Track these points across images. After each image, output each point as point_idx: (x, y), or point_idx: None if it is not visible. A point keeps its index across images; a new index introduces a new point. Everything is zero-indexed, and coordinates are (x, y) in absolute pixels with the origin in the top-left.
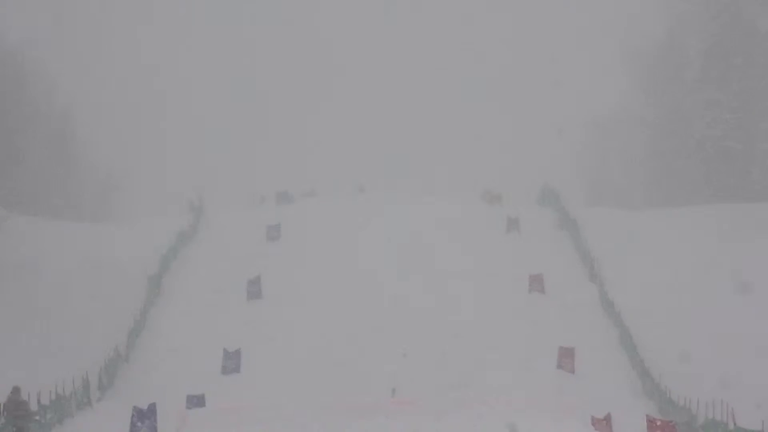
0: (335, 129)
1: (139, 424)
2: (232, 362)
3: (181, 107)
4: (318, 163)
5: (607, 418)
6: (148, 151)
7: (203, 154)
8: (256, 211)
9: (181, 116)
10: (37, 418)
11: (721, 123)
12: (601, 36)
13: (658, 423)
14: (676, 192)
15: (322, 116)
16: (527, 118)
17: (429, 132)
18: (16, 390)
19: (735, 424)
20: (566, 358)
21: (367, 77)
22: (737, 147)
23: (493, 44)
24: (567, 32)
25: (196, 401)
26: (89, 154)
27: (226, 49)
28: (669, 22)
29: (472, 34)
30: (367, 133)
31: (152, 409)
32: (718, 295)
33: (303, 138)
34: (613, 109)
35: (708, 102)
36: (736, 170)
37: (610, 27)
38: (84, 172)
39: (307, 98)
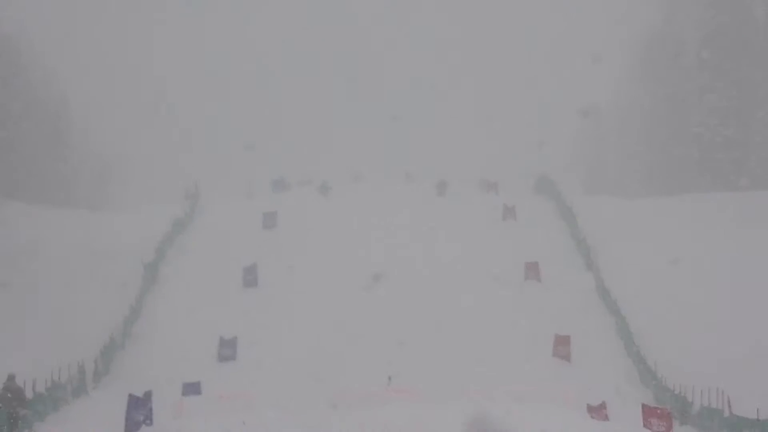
0: (334, 118)
1: (134, 411)
2: (228, 350)
3: (180, 96)
4: (315, 152)
5: (603, 406)
6: (145, 139)
7: (200, 143)
8: (252, 199)
9: (179, 105)
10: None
11: (718, 111)
12: (597, 23)
13: (654, 411)
14: (672, 180)
15: (320, 106)
16: (524, 107)
17: (426, 121)
18: (11, 377)
19: (731, 411)
20: (562, 346)
21: (366, 66)
22: (733, 135)
23: (490, 32)
24: (564, 20)
25: (192, 389)
26: (86, 141)
27: (224, 40)
28: (665, 10)
29: (469, 21)
30: (365, 121)
31: (148, 397)
32: (716, 284)
33: (302, 126)
34: (609, 97)
35: (704, 90)
36: (733, 158)
37: (607, 14)
38: (80, 159)
39: (306, 89)
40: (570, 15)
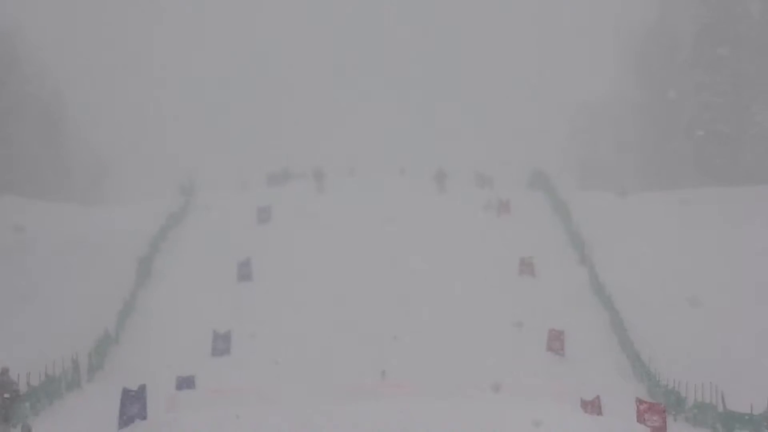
0: (330, 112)
1: (128, 405)
2: (222, 344)
3: (174, 88)
4: (311, 145)
5: (597, 401)
6: (140, 133)
7: (195, 137)
8: (247, 193)
9: (174, 98)
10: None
11: (712, 106)
12: (592, 19)
13: (648, 406)
14: (666, 175)
15: (317, 100)
16: (518, 102)
17: (422, 117)
18: (4, 371)
19: (724, 406)
20: (556, 340)
21: (365, 63)
22: (727, 130)
23: (484, 29)
24: (558, 15)
25: (186, 383)
26: (80, 135)
27: (221, 32)
28: (660, 5)
29: (465, 20)
30: (361, 116)
31: (142, 391)
32: (710, 278)
33: (298, 120)
34: (603, 93)
35: (698, 85)
36: (727, 153)
37: (601, 10)
38: (74, 153)
39: (305, 80)
40: (565, 10)
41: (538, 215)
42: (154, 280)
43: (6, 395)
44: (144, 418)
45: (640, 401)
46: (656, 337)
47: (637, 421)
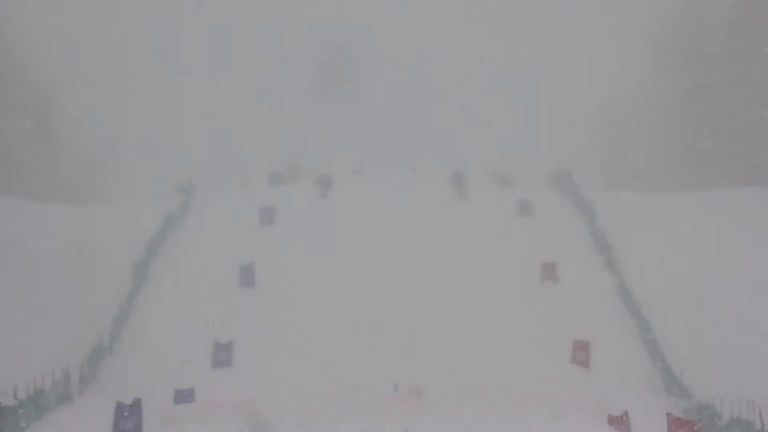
0: (337, 110)
1: (123, 420)
2: (223, 354)
3: (172, 85)
4: (315, 144)
5: (625, 416)
6: (136, 131)
7: (194, 134)
8: (248, 194)
9: (171, 95)
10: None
11: (752, 100)
12: (616, 8)
13: (680, 422)
14: (698, 174)
15: (318, 97)
16: (538, 98)
17: (439, 114)
18: None
19: (762, 423)
20: (581, 351)
21: (377, 62)
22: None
23: (504, 22)
24: (584, 3)
25: (185, 396)
26: (73, 132)
27: (221, 28)
28: None
29: (484, 14)
30: (370, 115)
31: (137, 405)
32: (746, 284)
33: (300, 117)
34: (629, 86)
35: (735, 78)
36: (766, 151)
37: None
38: (67, 151)
39: (304, 79)
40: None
41: (562, 216)
42: (152, 285)
43: None
44: None
45: (671, 417)
46: (688, 348)
47: None
